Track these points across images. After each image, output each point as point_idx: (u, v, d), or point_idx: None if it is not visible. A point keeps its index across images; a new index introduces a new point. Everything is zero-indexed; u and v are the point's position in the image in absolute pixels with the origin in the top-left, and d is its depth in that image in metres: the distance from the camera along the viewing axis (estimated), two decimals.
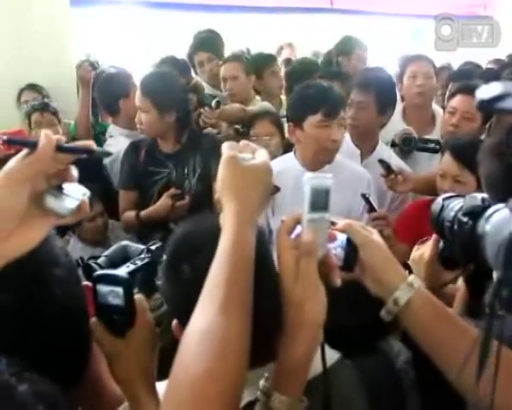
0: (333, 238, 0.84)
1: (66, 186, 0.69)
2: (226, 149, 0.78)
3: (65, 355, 0.75)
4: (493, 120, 2.29)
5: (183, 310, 0.85)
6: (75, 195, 0.68)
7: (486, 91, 0.56)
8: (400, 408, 1.10)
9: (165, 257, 0.90)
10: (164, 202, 2.29)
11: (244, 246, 0.72)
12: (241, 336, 0.67)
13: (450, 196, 1.10)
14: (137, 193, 2.43)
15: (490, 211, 0.67)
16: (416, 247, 1.26)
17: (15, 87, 3.31)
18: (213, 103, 2.57)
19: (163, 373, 0.95)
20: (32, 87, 3.31)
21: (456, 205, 1.05)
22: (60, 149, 0.65)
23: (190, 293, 0.80)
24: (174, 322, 0.88)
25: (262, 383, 0.77)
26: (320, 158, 2.03)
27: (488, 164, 0.92)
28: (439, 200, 1.10)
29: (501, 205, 0.65)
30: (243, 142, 0.83)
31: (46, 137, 0.64)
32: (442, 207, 1.07)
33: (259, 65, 3.28)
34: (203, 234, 0.85)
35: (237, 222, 0.73)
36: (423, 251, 1.24)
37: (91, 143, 0.69)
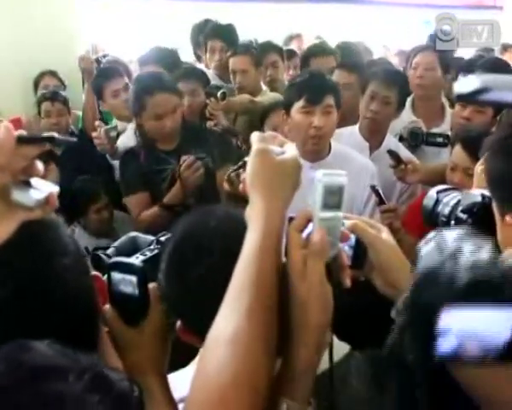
0: (346, 238, 0.81)
1: (34, 181, 0.68)
2: (256, 140, 0.76)
3: (71, 344, 0.74)
4: (504, 113, 2.26)
5: (189, 313, 0.84)
6: (43, 188, 0.68)
7: (465, 85, 0.55)
8: (411, 401, 1.08)
9: (165, 257, 0.87)
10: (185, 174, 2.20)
11: (273, 248, 0.70)
12: (268, 342, 0.66)
13: (445, 189, 1.07)
14: (148, 193, 2.35)
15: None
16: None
17: (21, 77, 3.30)
18: (219, 95, 2.55)
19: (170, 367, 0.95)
20: (52, 73, 3.28)
21: (451, 200, 1.02)
22: (21, 140, 0.65)
23: (197, 297, 0.80)
24: (178, 323, 0.86)
25: None
26: (307, 147, 2.00)
27: (492, 160, 0.89)
28: (433, 193, 1.07)
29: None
30: (271, 133, 0.81)
31: (5, 129, 0.63)
32: (436, 201, 1.04)
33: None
34: (209, 234, 0.83)
35: (266, 222, 0.70)
36: None
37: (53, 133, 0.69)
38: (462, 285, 0.48)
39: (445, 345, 0.50)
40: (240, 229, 0.72)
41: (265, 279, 0.68)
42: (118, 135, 2.60)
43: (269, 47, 3.29)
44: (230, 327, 0.64)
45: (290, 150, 0.77)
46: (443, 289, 0.49)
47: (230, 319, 0.65)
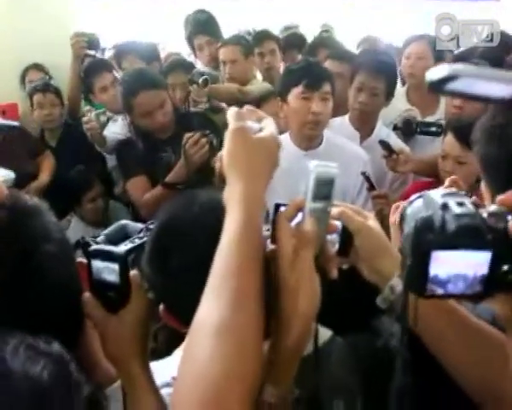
0: (333, 230, 0.81)
1: None
2: (233, 118, 0.72)
3: (55, 331, 0.74)
4: None
5: (172, 300, 0.85)
6: None
7: (435, 73, 0.56)
8: (397, 391, 1.10)
9: (148, 243, 0.87)
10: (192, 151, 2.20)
11: (254, 232, 0.67)
12: (256, 330, 0.64)
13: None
14: (148, 177, 2.36)
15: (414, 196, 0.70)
16: (393, 208, 1.13)
17: (17, 68, 3.30)
18: (200, 81, 2.52)
19: (157, 354, 0.95)
20: (37, 67, 3.29)
21: None
22: None
23: (180, 284, 0.80)
24: (161, 307, 0.87)
25: None
26: (304, 132, 2.02)
27: (487, 146, 0.90)
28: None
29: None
30: (248, 107, 0.77)
31: None
32: None
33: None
34: (191, 220, 0.83)
35: (247, 205, 0.67)
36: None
37: None
38: (451, 231, 0.58)
39: (438, 282, 0.60)
40: (222, 215, 0.70)
41: (250, 265, 0.66)
42: (107, 120, 2.61)
43: (266, 35, 3.32)
44: (216, 316, 0.62)
45: (268, 127, 0.74)
46: (436, 234, 0.59)
47: (215, 307, 0.63)
